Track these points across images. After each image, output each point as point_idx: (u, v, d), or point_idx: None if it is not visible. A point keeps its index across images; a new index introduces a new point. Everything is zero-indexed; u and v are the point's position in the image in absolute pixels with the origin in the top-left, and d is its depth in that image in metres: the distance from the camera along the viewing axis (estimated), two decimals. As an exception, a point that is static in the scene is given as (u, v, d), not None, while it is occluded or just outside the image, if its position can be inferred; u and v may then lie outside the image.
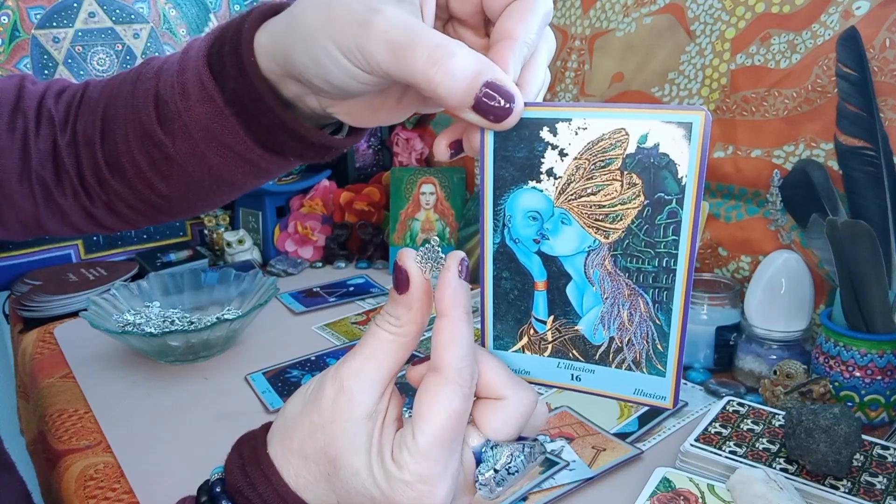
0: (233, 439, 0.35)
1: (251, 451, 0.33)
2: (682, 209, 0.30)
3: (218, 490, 0.33)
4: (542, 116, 0.31)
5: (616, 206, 0.31)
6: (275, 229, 1.30)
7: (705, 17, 0.90)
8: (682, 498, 0.59)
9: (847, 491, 0.57)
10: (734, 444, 0.64)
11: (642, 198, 0.31)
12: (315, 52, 0.33)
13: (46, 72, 1.19)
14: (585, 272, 0.33)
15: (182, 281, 1.02)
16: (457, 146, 0.34)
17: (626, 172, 0.31)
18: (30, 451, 0.96)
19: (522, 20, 0.32)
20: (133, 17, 1.25)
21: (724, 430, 0.66)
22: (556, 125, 0.31)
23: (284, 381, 0.83)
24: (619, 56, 1.01)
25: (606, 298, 0.33)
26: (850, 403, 0.70)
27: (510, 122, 0.31)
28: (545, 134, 0.32)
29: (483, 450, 0.32)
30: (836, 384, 0.70)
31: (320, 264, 1.27)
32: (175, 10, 1.29)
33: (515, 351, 0.35)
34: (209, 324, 0.88)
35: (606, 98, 1.03)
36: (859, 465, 0.60)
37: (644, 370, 0.33)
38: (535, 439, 0.34)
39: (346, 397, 0.31)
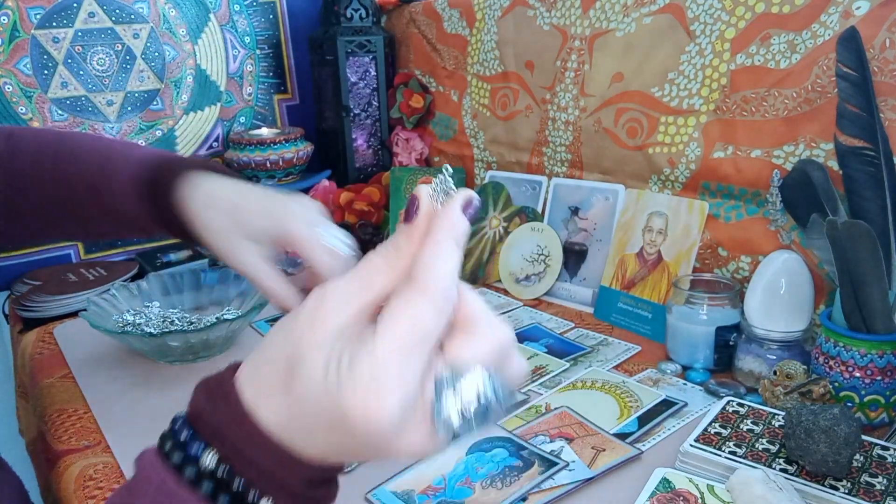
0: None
1: (217, 377, 0.33)
2: None
3: (180, 420, 0.34)
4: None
5: None
6: (275, 229, 1.29)
7: (705, 17, 0.90)
8: (681, 498, 0.59)
9: (847, 491, 0.57)
10: (734, 445, 0.64)
11: None
12: (217, 240, 0.65)
13: (46, 72, 1.19)
14: None
15: (182, 281, 1.01)
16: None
17: None
18: (29, 452, 0.96)
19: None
20: (133, 17, 1.25)
21: (723, 431, 0.66)
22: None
23: (284, 382, 0.83)
24: (619, 56, 1.01)
25: None
26: (849, 404, 0.70)
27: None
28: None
29: (446, 380, 0.30)
30: (836, 385, 0.70)
31: (320, 264, 1.27)
32: (175, 10, 1.29)
33: None
34: (209, 324, 0.88)
35: (606, 98, 1.03)
36: (859, 465, 0.60)
37: None
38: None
39: (323, 307, 0.30)
